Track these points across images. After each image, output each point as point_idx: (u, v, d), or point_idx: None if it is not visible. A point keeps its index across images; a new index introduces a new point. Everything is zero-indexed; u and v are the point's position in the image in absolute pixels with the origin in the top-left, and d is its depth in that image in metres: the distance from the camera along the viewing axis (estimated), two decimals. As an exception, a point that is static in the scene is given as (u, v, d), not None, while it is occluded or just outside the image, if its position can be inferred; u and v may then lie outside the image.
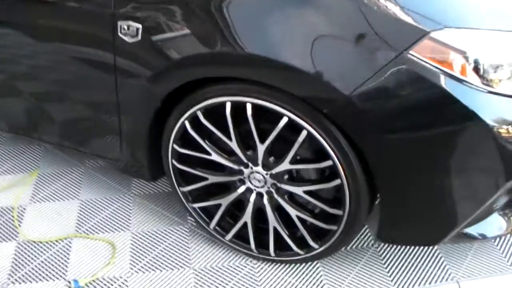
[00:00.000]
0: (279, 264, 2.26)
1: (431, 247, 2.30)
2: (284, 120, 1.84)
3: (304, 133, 1.83)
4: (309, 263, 2.25)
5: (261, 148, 1.94)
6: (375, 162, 1.78)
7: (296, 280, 2.20)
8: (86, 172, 2.81)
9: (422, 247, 2.30)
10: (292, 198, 2.06)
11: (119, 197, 2.64)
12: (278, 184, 2.02)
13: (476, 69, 1.65)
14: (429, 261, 2.25)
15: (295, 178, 2.04)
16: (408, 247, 2.32)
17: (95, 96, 2.21)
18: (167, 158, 2.17)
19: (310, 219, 2.03)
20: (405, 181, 1.80)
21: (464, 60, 1.64)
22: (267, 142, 1.92)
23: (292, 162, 1.93)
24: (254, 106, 1.87)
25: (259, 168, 2.01)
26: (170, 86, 1.94)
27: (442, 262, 2.24)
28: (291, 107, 1.81)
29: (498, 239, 2.32)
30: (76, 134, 2.43)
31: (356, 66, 1.68)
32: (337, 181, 1.88)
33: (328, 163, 1.86)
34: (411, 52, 1.62)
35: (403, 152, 1.74)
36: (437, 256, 2.27)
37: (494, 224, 1.94)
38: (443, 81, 1.63)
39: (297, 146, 1.87)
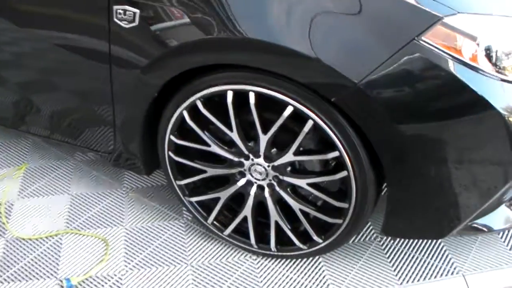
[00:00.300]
0: (279, 259, 2.20)
1: (435, 240, 2.25)
2: (289, 109, 1.77)
3: (310, 123, 1.76)
4: (310, 257, 2.19)
5: (264, 139, 1.87)
6: (384, 153, 1.72)
7: (298, 276, 2.14)
8: (77, 165, 2.74)
9: (426, 241, 2.26)
10: (295, 191, 2.00)
11: (111, 192, 2.57)
12: (281, 177, 1.95)
13: (489, 56, 1.60)
14: (433, 255, 2.20)
15: (298, 170, 1.97)
16: (411, 240, 2.27)
17: (87, 85, 2.12)
18: (163, 150, 2.09)
19: (314, 213, 1.97)
20: (414, 172, 1.74)
21: (477, 46, 1.59)
22: (270, 132, 1.85)
23: (296, 153, 1.86)
24: (257, 95, 1.79)
25: (261, 160, 1.94)
26: (168, 74, 1.87)
27: (447, 256, 2.20)
28: (296, 96, 1.74)
29: (502, 232, 2.28)
30: (67, 126, 2.34)
31: (366, 52, 1.62)
32: (344, 173, 1.82)
33: (335, 154, 1.79)
34: (423, 38, 1.57)
35: (413, 141, 1.68)
36: (441, 250, 2.22)
37: (501, 217, 1.90)
38: (456, 69, 1.58)
39: (302, 136, 1.80)
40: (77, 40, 2.00)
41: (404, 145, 1.68)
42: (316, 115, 1.74)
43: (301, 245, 2.05)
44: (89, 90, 2.13)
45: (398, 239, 2.27)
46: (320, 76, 1.67)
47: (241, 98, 1.83)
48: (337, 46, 1.63)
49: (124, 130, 2.12)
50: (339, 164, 1.83)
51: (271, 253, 2.15)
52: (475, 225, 1.88)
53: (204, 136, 1.97)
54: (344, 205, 1.89)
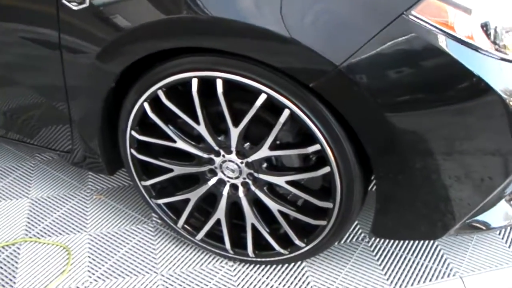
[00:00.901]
0: (258, 265, 2.02)
1: (427, 241, 2.09)
2: (262, 97, 1.59)
3: (286, 113, 1.59)
4: (293, 263, 2.02)
5: (235, 132, 1.69)
6: (371, 144, 1.55)
7: (279, 284, 1.96)
8: (36, 166, 2.57)
9: (418, 241, 2.10)
10: (272, 190, 1.81)
11: (74, 194, 2.40)
12: (256, 174, 1.77)
13: (487, 33, 1.44)
14: (426, 256, 2.05)
15: (275, 166, 1.80)
16: (401, 241, 2.10)
17: (38, 79, 1.94)
18: (125, 147, 1.92)
19: (295, 214, 1.79)
20: (403, 164, 1.56)
21: (473, 22, 1.43)
22: (242, 125, 1.67)
23: (272, 147, 1.68)
24: (226, 82, 1.61)
25: (233, 156, 1.76)
26: (124, 61, 1.68)
27: (442, 256, 2.04)
28: (270, 82, 1.56)
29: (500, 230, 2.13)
30: (22, 124, 2.16)
31: (348, 31, 1.44)
32: (326, 169, 1.64)
33: (315, 147, 1.61)
34: (412, 12, 1.39)
35: (403, 131, 1.50)
36: (435, 250, 2.07)
37: (500, 213, 1.75)
38: (449, 46, 1.40)
39: (278, 128, 1.62)
40: (24, 30, 1.82)
41: (392, 134, 1.50)
42: (293, 103, 1.57)
43: (281, 250, 1.89)
44: (42, 85, 1.95)
45: (388, 240, 2.09)
46: (296, 59, 1.49)
47: (207, 86, 1.66)
48: (314, 25, 1.45)
49: (81, 126, 1.95)
50: (321, 159, 1.66)
51: (249, 259, 1.98)
52: (472, 223, 1.73)
53: (168, 130, 1.79)
54: (328, 204, 1.71)
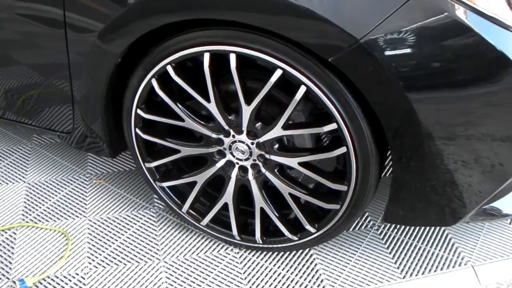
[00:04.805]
0: (265, 252, 1.96)
1: (437, 229, 2.04)
2: (278, 73, 1.53)
3: (302, 89, 1.52)
4: (300, 250, 1.96)
5: (247, 111, 1.62)
6: (390, 124, 1.48)
7: (287, 271, 1.89)
8: (33, 150, 2.49)
9: (428, 229, 2.05)
10: (284, 172, 1.74)
11: (73, 178, 2.33)
12: (267, 156, 1.70)
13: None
14: (437, 244, 1.99)
15: (287, 147, 1.73)
16: (412, 229, 2.05)
17: (40, 57, 1.87)
18: (129, 127, 1.85)
19: (307, 197, 1.73)
20: (425, 148, 1.49)
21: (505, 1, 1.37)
22: (255, 102, 1.61)
23: (285, 127, 1.62)
24: (239, 57, 1.55)
25: (243, 136, 1.70)
26: (130, 38, 1.61)
27: (453, 245, 1.99)
28: (286, 57, 1.50)
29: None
30: (20, 104, 2.08)
31: (371, 3, 1.37)
32: (342, 149, 1.57)
33: (332, 126, 1.55)
34: None
35: (423, 110, 1.43)
36: (445, 238, 2.01)
37: None
38: (475, 22, 1.34)
39: (293, 106, 1.56)
40: (28, 8, 1.75)
41: (413, 115, 1.44)
42: (310, 79, 1.50)
43: (291, 236, 1.82)
44: (43, 63, 1.87)
45: (398, 227, 2.05)
46: (316, 32, 1.42)
47: (219, 62, 1.58)
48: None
49: (84, 105, 1.88)
50: (336, 139, 1.60)
51: (256, 245, 1.92)
52: (487, 209, 1.68)
53: (177, 108, 1.73)
54: (342, 187, 1.65)
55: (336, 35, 1.39)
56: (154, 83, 1.69)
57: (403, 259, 1.93)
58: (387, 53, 1.38)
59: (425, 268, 1.90)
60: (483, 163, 1.51)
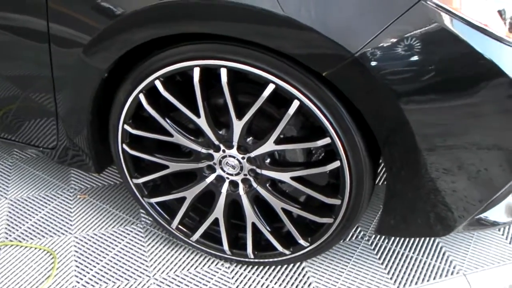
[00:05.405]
0: (257, 267, 1.93)
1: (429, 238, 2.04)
2: (270, 88, 1.50)
3: (295, 104, 1.50)
4: (292, 264, 1.94)
5: (238, 126, 1.59)
6: (384, 136, 1.47)
7: (279, 285, 1.87)
8: (15, 165, 2.44)
9: (419, 239, 2.04)
10: (275, 187, 1.70)
11: (56, 194, 2.27)
12: (258, 170, 1.68)
13: (504, 20, 1.38)
14: (429, 254, 1.98)
15: (278, 162, 1.69)
16: (403, 239, 2.03)
17: (22, 71, 1.81)
18: (116, 143, 1.80)
19: (300, 212, 1.70)
20: (419, 158, 1.48)
21: (490, 8, 1.37)
22: (246, 117, 1.58)
23: (278, 141, 1.58)
24: (230, 72, 1.50)
25: (234, 151, 1.66)
26: (117, 53, 1.57)
27: (444, 253, 1.98)
28: (279, 71, 1.47)
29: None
30: (1, 118, 2.01)
31: (365, 17, 1.35)
32: (336, 163, 1.54)
33: (325, 140, 1.53)
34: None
35: (417, 123, 1.42)
36: (437, 247, 2.01)
37: (505, 208, 1.71)
38: (467, 34, 1.34)
39: (286, 120, 1.53)
40: (10, 18, 1.69)
41: (407, 127, 1.42)
42: (303, 94, 1.48)
43: (283, 250, 1.78)
44: (26, 76, 1.81)
45: (387, 239, 2.03)
46: (310, 46, 1.39)
47: (207, 77, 1.56)
48: (330, 9, 1.36)
49: (68, 120, 1.82)
50: (329, 153, 1.58)
51: (248, 260, 1.89)
52: (480, 219, 1.69)
53: (166, 124, 1.68)
54: (335, 201, 1.63)
55: (330, 49, 1.36)
56: (142, 98, 1.65)
57: (395, 269, 1.92)
58: (381, 66, 1.36)
59: (418, 278, 1.89)
60: (473, 172, 1.50)
